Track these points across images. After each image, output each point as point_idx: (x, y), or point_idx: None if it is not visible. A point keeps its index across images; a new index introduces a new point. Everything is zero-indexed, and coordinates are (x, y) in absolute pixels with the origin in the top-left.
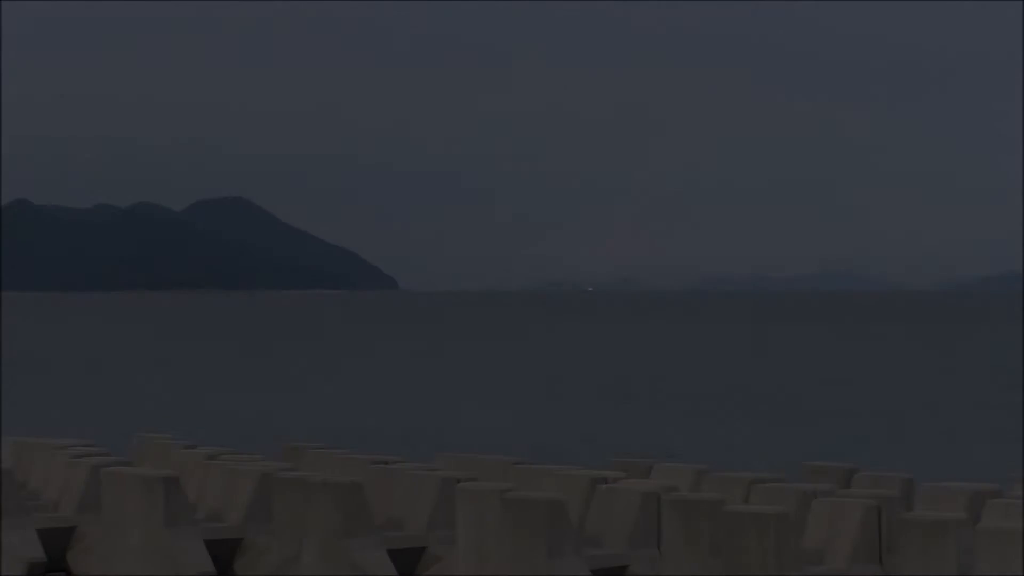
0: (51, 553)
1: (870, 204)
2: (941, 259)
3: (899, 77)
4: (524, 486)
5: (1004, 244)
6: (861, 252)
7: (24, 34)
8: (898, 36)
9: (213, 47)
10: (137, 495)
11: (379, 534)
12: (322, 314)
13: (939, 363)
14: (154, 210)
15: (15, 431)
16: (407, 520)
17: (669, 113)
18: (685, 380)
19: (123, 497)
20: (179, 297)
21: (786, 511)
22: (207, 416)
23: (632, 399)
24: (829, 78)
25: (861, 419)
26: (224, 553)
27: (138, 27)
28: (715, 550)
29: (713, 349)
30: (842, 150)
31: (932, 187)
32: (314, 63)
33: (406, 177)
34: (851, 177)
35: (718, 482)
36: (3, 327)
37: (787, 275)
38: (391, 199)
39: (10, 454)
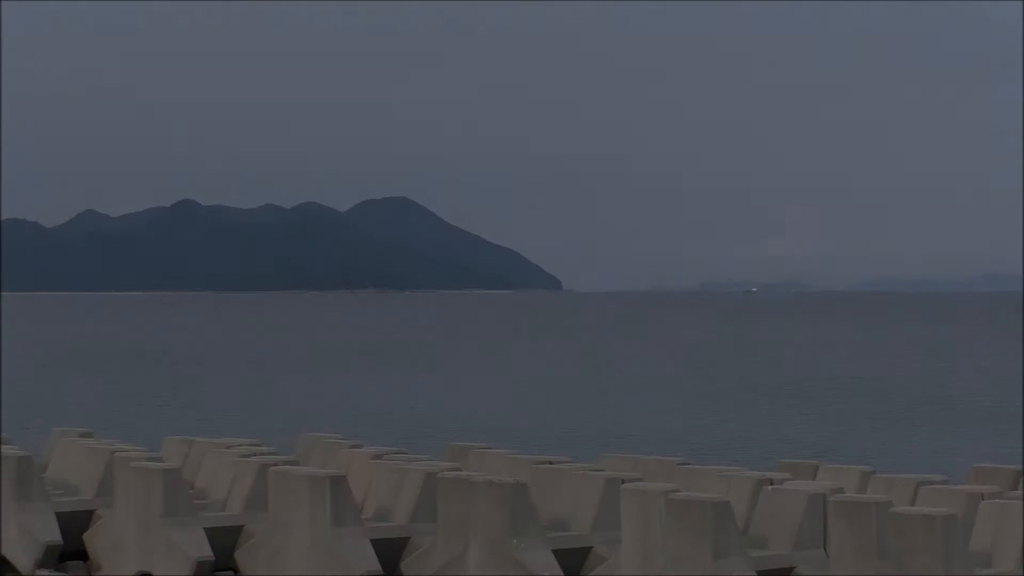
0: (219, 552)
1: None
2: None
3: None
4: (689, 487)
5: None
6: None
7: (199, 46)
8: None
9: (374, 48)
10: (304, 494)
11: (544, 534)
12: (486, 314)
13: None
14: (319, 210)
15: (181, 431)
16: (572, 520)
17: (839, 111)
18: (851, 381)
19: (290, 496)
20: (343, 297)
21: (954, 513)
22: (372, 416)
23: (798, 400)
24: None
25: None
26: (390, 552)
27: (302, 35)
28: (882, 552)
29: (879, 350)
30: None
31: None
32: (480, 63)
33: (568, 178)
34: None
35: (884, 483)
36: (174, 326)
37: (956, 276)
38: (553, 200)
39: (176, 453)
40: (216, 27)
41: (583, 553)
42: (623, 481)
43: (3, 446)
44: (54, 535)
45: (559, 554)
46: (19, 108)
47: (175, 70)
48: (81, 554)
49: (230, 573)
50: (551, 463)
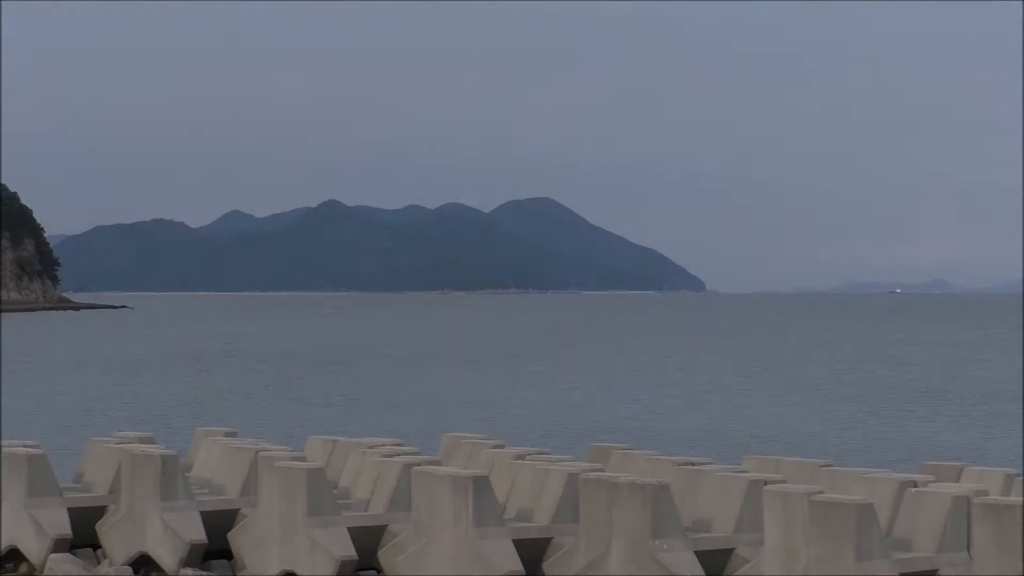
0: (362, 551)
1: None
2: None
3: None
4: (832, 489)
5: None
6: None
7: (353, 44)
8: None
9: (519, 48)
10: (447, 494)
11: (686, 535)
12: (629, 315)
13: None
14: (463, 211)
15: (324, 430)
16: (714, 522)
17: (980, 111)
18: (992, 384)
19: (433, 496)
20: (485, 298)
21: None
22: (514, 416)
23: (940, 402)
24: None
25: None
26: (532, 553)
27: (447, 34)
28: None
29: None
30: None
31: None
32: (618, 64)
33: (708, 179)
34: None
35: None
36: (318, 325)
37: None
38: (695, 201)
39: (320, 453)
40: (367, 25)
41: (725, 555)
42: (765, 483)
43: (148, 445)
44: (199, 534)
45: (701, 555)
46: (167, 110)
47: (320, 70)
48: (225, 553)
49: (373, 573)
50: (693, 464)
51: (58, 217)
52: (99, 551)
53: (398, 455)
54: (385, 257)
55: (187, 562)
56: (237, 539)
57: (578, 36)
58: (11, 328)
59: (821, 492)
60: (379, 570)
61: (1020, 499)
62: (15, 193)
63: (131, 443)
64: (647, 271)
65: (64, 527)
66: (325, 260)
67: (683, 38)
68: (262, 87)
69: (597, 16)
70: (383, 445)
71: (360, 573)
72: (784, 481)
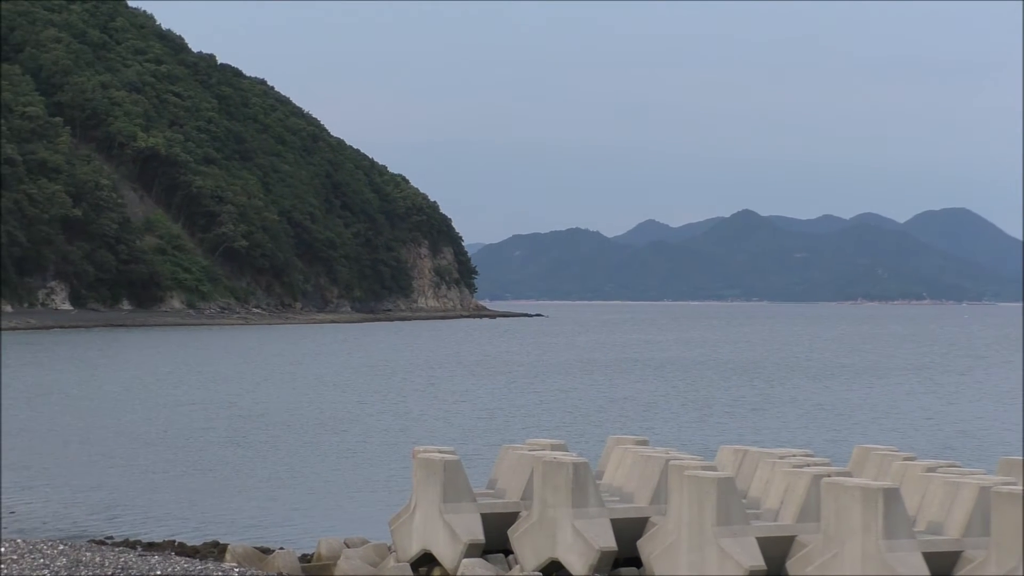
0: (770, 561)
1: None
2: None
3: None
4: None
5: None
6: None
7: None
8: None
9: (937, 61)
10: (857, 506)
11: None
12: None
13: None
14: (878, 221)
15: (736, 440)
16: None
17: None
18: None
19: (843, 508)
20: (900, 309)
21: None
22: (924, 428)
23: None
24: None
25: None
26: (942, 566)
27: (857, 50)
28: None
29: None
30: None
31: None
32: None
33: None
34: None
35: None
36: (725, 336)
37: None
38: None
39: (731, 462)
40: (787, 34)
41: None
42: None
43: (560, 452)
44: (609, 541)
45: None
46: (580, 113)
47: (728, 78)
48: (634, 561)
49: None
50: None
51: (476, 226)
52: (511, 557)
53: (808, 466)
54: (799, 267)
55: (597, 568)
56: (646, 547)
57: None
58: (428, 332)
59: None
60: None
61: None
62: (435, 202)
63: (543, 450)
64: None
65: (477, 532)
66: (738, 270)
67: None
68: (672, 95)
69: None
70: (793, 456)
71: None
72: None
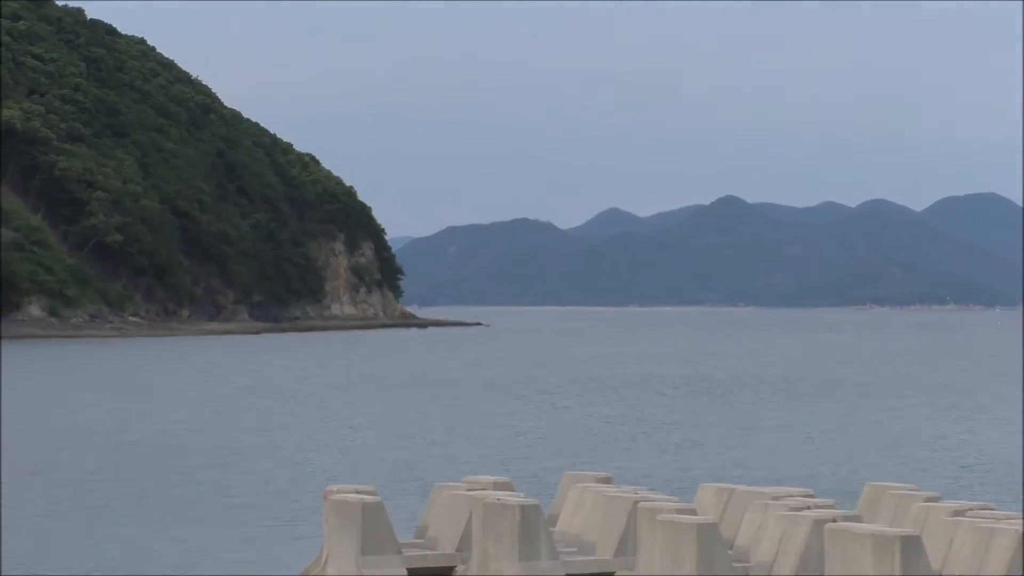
0: None
1: None
2: None
3: None
4: None
5: None
6: None
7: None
8: None
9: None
10: (868, 557)
11: None
12: None
13: None
14: (889, 209)
15: (718, 475)
16: None
17: None
18: None
19: (851, 559)
20: (918, 315)
21: None
22: (949, 462)
23: None
24: None
25: None
26: None
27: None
28: None
29: None
30: None
31: None
32: None
33: None
34: None
35: None
36: (708, 344)
37: None
38: None
39: (713, 503)
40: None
41: None
42: None
43: (505, 492)
44: None
45: None
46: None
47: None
48: None
49: None
50: None
51: (403, 216)
52: None
53: (808, 508)
54: (793, 265)
55: None
56: None
57: None
58: (344, 345)
59: None
60: None
61: None
62: (352, 188)
63: (484, 490)
64: None
65: None
66: (720, 268)
67: None
68: (638, 56)
69: None
70: (790, 495)
71: None
72: None
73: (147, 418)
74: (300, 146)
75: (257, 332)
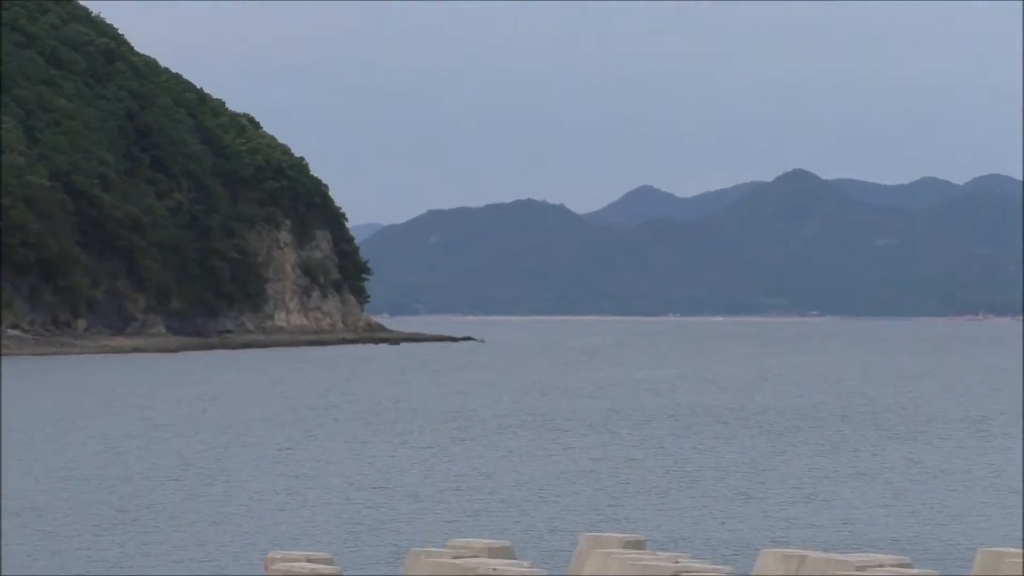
0: None
1: None
2: None
3: None
4: None
5: None
6: None
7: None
8: None
9: None
10: None
11: None
12: None
13: None
14: (1004, 185)
15: (786, 538)
16: None
17: None
18: None
19: None
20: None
21: None
22: None
23: None
24: None
25: None
26: None
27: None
28: None
29: None
30: None
31: None
32: None
33: None
34: None
35: None
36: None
37: None
38: None
39: (779, 572)
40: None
41: None
42: None
43: (504, 561)
44: None
45: None
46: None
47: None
48: None
49: None
50: None
51: (369, 198)
52: None
53: None
54: (883, 261)
55: None
56: None
57: None
58: (290, 366)
59: None
60: None
61: None
62: (303, 159)
63: (475, 557)
64: None
65: None
66: (786, 265)
67: None
68: None
69: None
70: (880, 564)
71: None
72: None
73: (28, 465)
74: (234, 105)
75: (176, 349)
